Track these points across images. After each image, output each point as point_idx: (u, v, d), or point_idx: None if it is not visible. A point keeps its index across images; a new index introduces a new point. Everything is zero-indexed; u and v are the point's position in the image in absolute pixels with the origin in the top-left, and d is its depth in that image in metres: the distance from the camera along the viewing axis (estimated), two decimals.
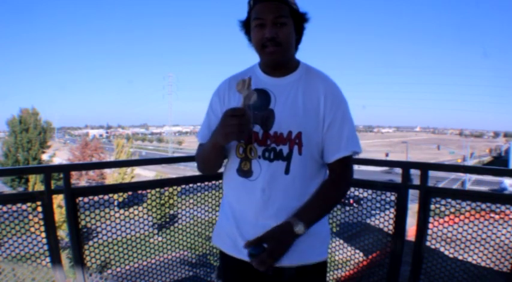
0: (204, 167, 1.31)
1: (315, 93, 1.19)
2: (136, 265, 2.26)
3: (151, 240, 2.36)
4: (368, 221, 2.28)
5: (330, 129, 1.19)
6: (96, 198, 2.06)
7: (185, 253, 2.46)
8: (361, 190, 2.26)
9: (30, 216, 1.89)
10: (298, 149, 1.17)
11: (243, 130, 1.04)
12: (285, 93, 1.21)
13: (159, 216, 2.65)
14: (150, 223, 2.39)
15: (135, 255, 2.23)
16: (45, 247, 1.90)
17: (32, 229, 1.89)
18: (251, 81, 1.08)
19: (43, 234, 1.89)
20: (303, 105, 1.19)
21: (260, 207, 1.19)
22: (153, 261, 2.32)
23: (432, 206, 2.04)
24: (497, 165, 41.23)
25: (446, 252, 2.04)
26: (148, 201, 2.26)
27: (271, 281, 1.20)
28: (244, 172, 1.22)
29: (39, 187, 14.83)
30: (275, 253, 1.08)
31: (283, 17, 1.14)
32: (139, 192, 2.32)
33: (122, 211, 2.19)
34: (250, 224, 1.21)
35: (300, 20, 1.19)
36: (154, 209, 2.30)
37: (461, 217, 1.98)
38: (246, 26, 1.23)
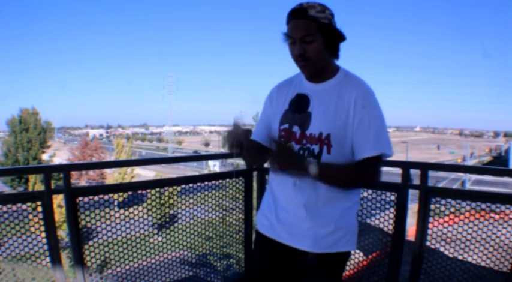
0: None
1: (347, 97, 1.28)
2: (136, 265, 2.26)
3: (151, 240, 2.36)
4: (368, 221, 2.28)
5: (357, 129, 1.26)
6: (96, 198, 2.06)
7: (185, 253, 2.46)
8: (361, 190, 2.26)
9: (30, 216, 1.89)
10: (327, 148, 1.29)
11: (231, 142, 1.24)
12: (321, 98, 1.33)
13: (159, 216, 2.65)
14: (150, 223, 2.39)
15: (135, 255, 2.23)
16: (45, 247, 1.90)
17: (32, 229, 1.89)
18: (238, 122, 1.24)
19: (43, 234, 1.89)
20: (335, 108, 1.29)
21: (292, 197, 1.35)
22: (153, 261, 2.32)
23: (432, 206, 2.04)
24: (497, 165, 41.22)
25: (446, 252, 2.04)
26: (148, 201, 2.26)
27: (296, 262, 1.38)
28: None
29: (39, 187, 14.84)
30: (277, 154, 1.18)
31: (310, 35, 1.24)
32: (139, 192, 2.32)
33: (122, 211, 2.19)
34: (284, 210, 1.38)
35: (330, 33, 1.27)
36: (154, 209, 2.30)
37: (461, 217, 1.99)
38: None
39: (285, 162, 1.20)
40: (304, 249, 1.33)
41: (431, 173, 2.08)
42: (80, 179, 29.22)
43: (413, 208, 2.17)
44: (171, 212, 2.63)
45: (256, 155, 1.37)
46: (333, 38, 1.29)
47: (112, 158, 27.69)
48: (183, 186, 2.33)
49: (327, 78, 1.35)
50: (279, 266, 1.43)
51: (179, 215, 2.44)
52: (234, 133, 1.23)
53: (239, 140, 1.22)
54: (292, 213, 1.35)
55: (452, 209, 1.99)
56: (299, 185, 1.34)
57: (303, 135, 1.33)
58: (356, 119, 1.26)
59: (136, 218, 2.24)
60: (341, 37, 1.30)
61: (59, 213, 7.75)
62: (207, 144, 78.18)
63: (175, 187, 2.34)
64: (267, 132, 1.46)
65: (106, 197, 2.08)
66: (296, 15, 1.26)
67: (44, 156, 25.09)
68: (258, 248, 1.52)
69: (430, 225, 2.05)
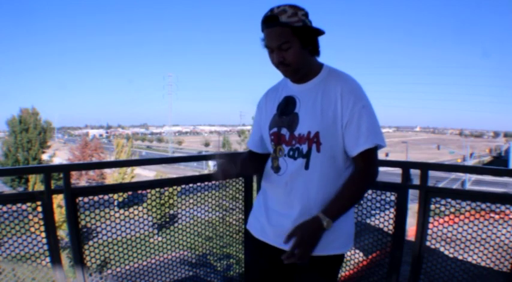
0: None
1: (333, 93, 1.28)
2: (136, 265, 2.26)
3: (151, 240, 2.36)
4: (368, 221, 2.28)
5: (348, 125, 1.25)
6: (96, 198, 2.06)
7: (185, 253, 2.46)
8: None
9: (30, 216, 1.89)
10: (317, 147, 1.28)
11: (221, 174, 1.32)
12: (307, 98, 1.33)
13: (159, 216, 2.65)
14: (150, 223, 2.39)
15: (135, 255, 2.23)
16: (45, 247, 1.90)
17: (32, 229, 1.89)
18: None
19: (43, 234, 1.89)
20: (321, 105, 1.29)
21: (284, 198, 1.35)
22: (153, 261, 2.32)
23: (432, 206, 2.04)
24: (497, 165, 41.20)
25: (446, 252, 2.04)
26: (148, 201, 2.26)
27: (288, 266, 1.32)
28: (274, 168, 1.39)
29: (39, 187, 14.83)
30: (302, 245, 1.21)
31: (286, 43, 1.24)
32: (139, 192, 2.32)
33: (122, 211, 2.19)
34: (276, 212, 1.38)
35: (306, 34, 1.26)
36: (154, 209, 2.30)
37: (461, 217, 1.99)
38: None
39: (312, 243, 1.23)
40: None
41: (431, 173, 2.08)
42: (80, 179, 29.17)
43: (413, 208, 2.17)
44: (171, 212, 2.62)
45: (253, 170, 1.44)
46: (309, 38, 1.28)
47: (112, 158, 27.68)
48: (183, 186, 2.33)
49: (312, 78, 1.34)
50: (274, 270, 1.41)
51: (179, 215, 2.44)
52: (222, 169, 1.31)
53: (227, 172, 1.31)
54: (284, 215, 1.34)
55: (452, 209, 1.99)
56: (290, 187, 1.33)
57: (292, 136, 1.33)
58: (345, 114, 1.24)
59: (136, 218, 2.23)
60: (318, 33, 1.28)
61: (59, 213, 7.75)
62: (207, 144, 78.16)
63: (175, 187, 2.34)
64: (262, 142, 1.49)
65: (106, 197, 2.08)
66: (268, 24, 1.24)
67: (44, 156, 25.06)
68: (252, 252, 1.52)
69: (430, 225, 2.05)
